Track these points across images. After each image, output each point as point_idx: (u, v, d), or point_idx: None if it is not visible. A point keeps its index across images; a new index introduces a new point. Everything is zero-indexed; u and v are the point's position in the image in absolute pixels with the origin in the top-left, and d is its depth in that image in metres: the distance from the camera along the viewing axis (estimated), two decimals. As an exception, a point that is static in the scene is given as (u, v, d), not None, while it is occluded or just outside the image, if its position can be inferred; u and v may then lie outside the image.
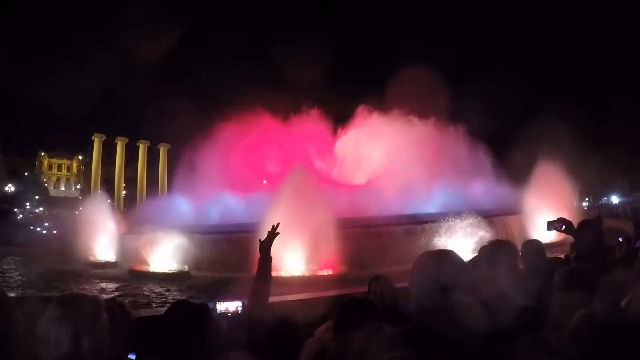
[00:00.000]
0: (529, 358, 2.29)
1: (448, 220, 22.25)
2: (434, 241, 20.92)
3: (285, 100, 40.44)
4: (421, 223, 22.64)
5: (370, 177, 27.37)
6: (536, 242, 5.84)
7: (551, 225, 5.72)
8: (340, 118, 39.10)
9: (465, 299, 2.22)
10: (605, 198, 72.03)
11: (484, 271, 3.78)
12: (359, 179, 28.67)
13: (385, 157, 32.37)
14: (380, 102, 37.37)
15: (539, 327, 2.72)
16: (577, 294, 3.06)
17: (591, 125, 55.03)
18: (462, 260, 2.49)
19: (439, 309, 2.24)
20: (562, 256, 6.70)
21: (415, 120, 35.10)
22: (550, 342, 2.38)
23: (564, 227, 5.49)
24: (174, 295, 17.49)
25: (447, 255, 2.49)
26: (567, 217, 5.90)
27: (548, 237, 16.75)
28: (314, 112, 38.39)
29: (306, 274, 19.36)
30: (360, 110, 37.54)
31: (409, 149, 31.76)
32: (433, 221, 22.62)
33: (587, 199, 70.97)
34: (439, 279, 2.33)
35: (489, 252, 4.34)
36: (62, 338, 2.33)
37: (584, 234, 4.96)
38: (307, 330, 3.93)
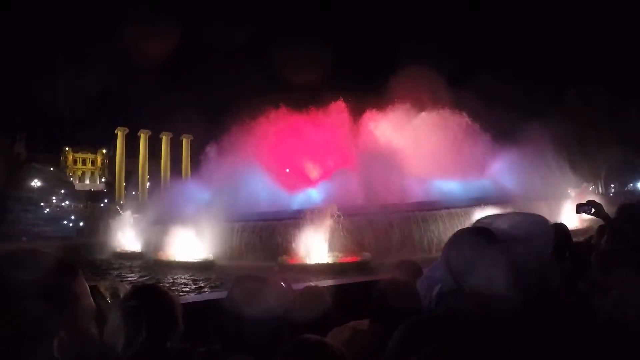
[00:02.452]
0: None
1: (469, 207, 22.08)
2: (456, 228, 20.71)
3: (294, 93, 40.71)
4: (443, 209, 22.50)
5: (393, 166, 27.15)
6: (562, 226, 5.77)
7: (580, 208, 5.58)
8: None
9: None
10: (631, 184, 70.55)
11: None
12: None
13: (405, 147, 32.18)
14: (387, 99, 37.35)
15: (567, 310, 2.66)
16: (618, 273, 3.02)
17: (615, 111, 53.94)
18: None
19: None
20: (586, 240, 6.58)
21: (433, 113, 35.05)
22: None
23: (593, 210, 5.37)
24: (197, 284, 17.66)
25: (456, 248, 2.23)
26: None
27: (572, 223, 16.65)
28: (333, 105, 38.36)
29: (330, 261, 19.41)
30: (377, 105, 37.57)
31: (427, 140, 31.66)
32: (454, 207, 22.46)
33: (612, 185, 69.74)
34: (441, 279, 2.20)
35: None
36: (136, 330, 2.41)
37: (624, 216, 4.85)
38: (334, 316, 3.91)
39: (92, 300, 1.54)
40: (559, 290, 3.17)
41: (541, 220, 2.53)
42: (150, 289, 2.66)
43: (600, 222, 5.60)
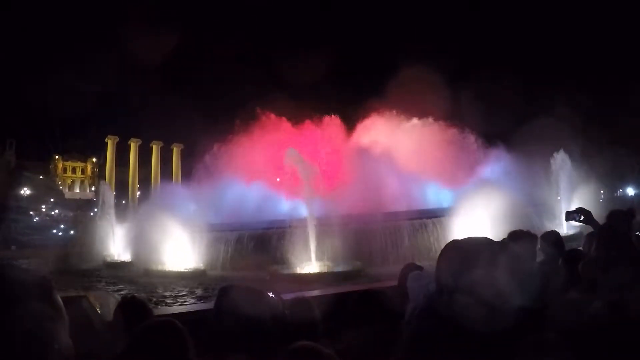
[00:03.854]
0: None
1: (462, 214, 22.07)
2: (448, 236, 20.71)
3: (288, 101, 40.83)
4: (434, 217, 22.52)
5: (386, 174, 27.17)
6: (555, 233, 5.78)
7: (569, 215, 5.59)
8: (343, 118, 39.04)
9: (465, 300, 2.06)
10: (620, 190, 70.82)
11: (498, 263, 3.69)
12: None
13: (399, 155, 32.27)
14: (383, 103, 37.53)
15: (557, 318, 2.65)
16: (607, 280, 3.01)
17: (605, 116, 54.47)
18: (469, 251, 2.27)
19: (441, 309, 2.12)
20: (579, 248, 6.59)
21: (428, 122, 35.24)
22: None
23: (582, 217, 5.37)
24: (187, 294, 17.50)
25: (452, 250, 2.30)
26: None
27: (562, 231, 16.69)
28: (327, 117, 38.43)
29: (321, 270, 19.33)
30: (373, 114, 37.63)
31: (421, 148, 31.78)
32: (445, 215, 22.46)
33: (601, 191, 69.91)
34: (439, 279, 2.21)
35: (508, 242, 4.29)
36: None
37: (613, 223, 4.86)
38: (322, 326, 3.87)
39: (65, 314, 1.53)
40: (555, 295, 3.17)
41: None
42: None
43: (590, 229, 5.62)
